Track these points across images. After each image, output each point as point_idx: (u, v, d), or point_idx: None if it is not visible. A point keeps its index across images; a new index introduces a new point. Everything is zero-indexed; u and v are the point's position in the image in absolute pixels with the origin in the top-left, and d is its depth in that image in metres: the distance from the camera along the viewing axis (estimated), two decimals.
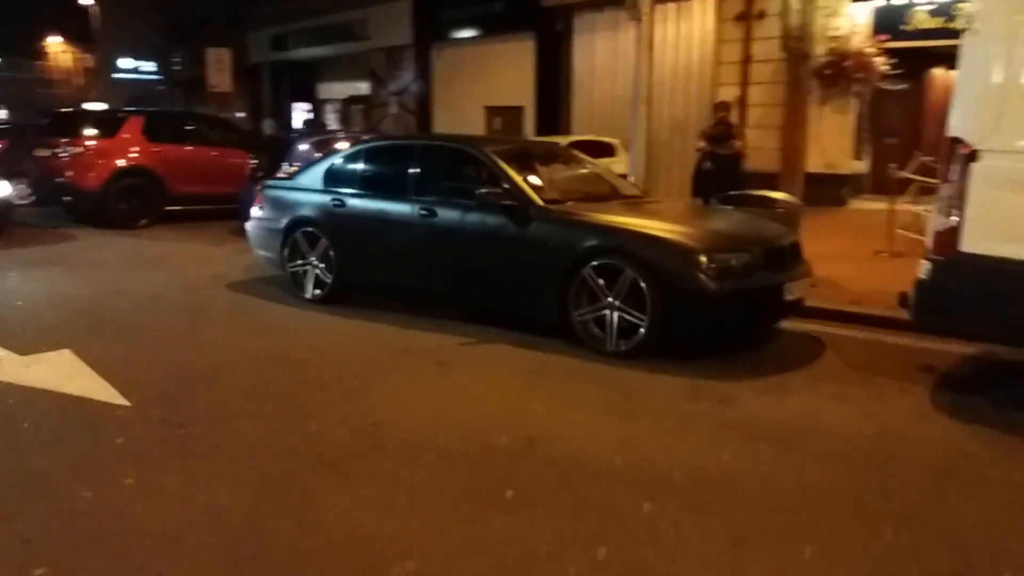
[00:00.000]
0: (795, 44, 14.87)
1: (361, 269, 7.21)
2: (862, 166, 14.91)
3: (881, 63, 13.50)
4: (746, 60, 14.84)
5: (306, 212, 7.54)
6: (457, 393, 5.00)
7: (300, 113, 30.81)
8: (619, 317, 5.75)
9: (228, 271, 8.96)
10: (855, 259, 9.40)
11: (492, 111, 21.72)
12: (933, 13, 13.35)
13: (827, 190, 14.44)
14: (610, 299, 5.78)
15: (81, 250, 10.47)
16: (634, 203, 6.85)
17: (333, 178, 7.52)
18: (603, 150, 17.29)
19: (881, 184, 12.52)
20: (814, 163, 15.05)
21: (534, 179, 6.71)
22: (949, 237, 4.79)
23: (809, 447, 4.26)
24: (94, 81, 59.77)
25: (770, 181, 15.16)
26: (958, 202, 4.75)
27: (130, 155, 12.47)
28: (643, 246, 5.69)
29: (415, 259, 6.85)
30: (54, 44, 78.06)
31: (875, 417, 4.72)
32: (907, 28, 13.66)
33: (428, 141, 7.29)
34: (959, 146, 4.78)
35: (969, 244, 4.72)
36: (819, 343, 6.38)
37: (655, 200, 7.25)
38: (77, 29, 63.67)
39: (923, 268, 4.92)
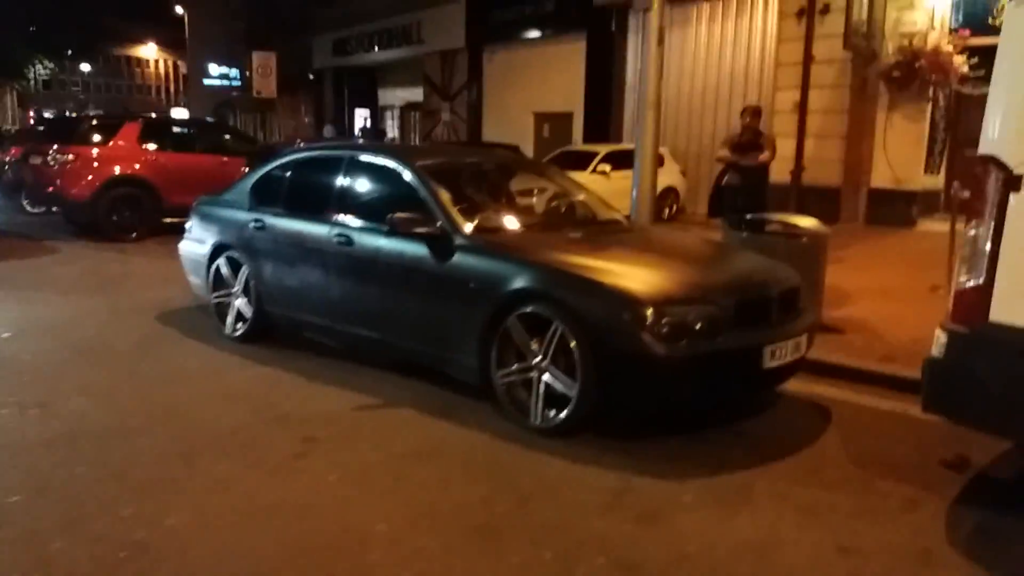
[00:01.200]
0: (861, 42, 13.19)
1: (281, 304, 6.09)
2: (935, 181, 13.04)
3: (961, 63, 11.67)
4: (807, 61, 13.17)
5: (229, 234, 6.48)
6: (292, 493, 3.78)
7: (361, 119, 30.28)
8: (548, 383, 4.46)
9: (179, 296, 7.97)
10: (906, 296, 7.83)
11: (541, 117, 20.52)
12: None
13: (894, 208, 12.71)
14: (538, 359, 4.50)
15: (44, 267, 9.73)
16: (598, 233, 5.53)
17: (259, 194, 6.44)
18: None
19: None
20: (880, 177, 13.34)
21: (475, 201, 5.48)
22: (975, 300, 3.34)
23: None
24: (186, 87, 61.36)
25: (830, 197, 13.51)
26: (990, 249, 3.30)
27: (123, 163, 11.75)
28: (575, 292, 4.38)
29: (332, 295, 5.69)
30: (148, 51, 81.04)
31: (854, 554, 3.31)
32: (993, 23, 11.76)
33: (353, 152, 6.09)
34: (994, 169, 3.34)
35: (1002, 311, 3.26)
36: (822, 416, 4.95)
37: (629, 229, 5.86)
38: (171, 36, 65.83)
39: (938, 342, 3.47)
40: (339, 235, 5.54)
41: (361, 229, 5.43)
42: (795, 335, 4.58)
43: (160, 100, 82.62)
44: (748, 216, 7.04)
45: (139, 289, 8.39)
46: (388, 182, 5.56)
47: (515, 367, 4.63)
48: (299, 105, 35.59)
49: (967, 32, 11.79)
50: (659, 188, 15.59)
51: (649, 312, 4.14)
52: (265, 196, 6.38)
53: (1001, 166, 3.32)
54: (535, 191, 6.27)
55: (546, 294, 4.43)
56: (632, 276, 4.40)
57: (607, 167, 14.07)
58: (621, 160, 13.85)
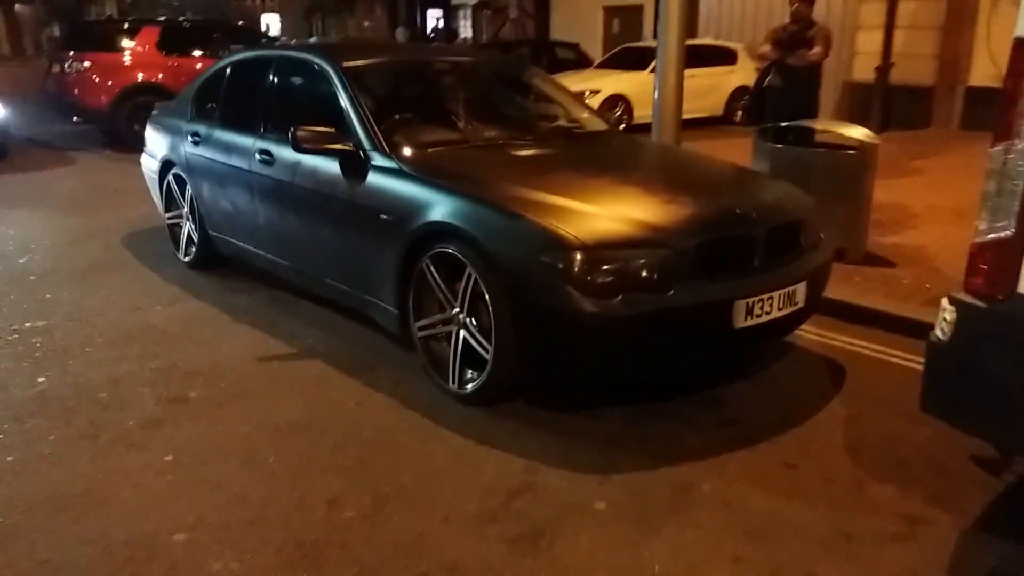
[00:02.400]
0: None
1: (222, 228, 5.34)
2: None
3: None
4: None
5: (174, 149, 5.73)
6: (103, 480, 3.06)
7: (433, 20, 29.04)
8: (467, 340, 3.57)
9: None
10: None
11: (610, 11, 18.91)
12: None
13: (995, 111, 10.87)
14: (456, 310, 3.60)
15: (49, 180, 9.29)
16: (561, 151, 4.46)
17: (198, 104, 5.64)
18: (720, 56, 14.34)
19: None
20: (981, 74, 11.44)
21: (417, 113, 4.52)
22: (1000, 261, 2.25)
23: None
24: None
25: (921, 98, 11.74)
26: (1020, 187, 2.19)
27: (142, 71, 11.14)
28: (489, 230, 3.42)
29: (259, 221, 4.89)
30: None
31: None
32: None
33: (283, 52, 5.17)
34: None
35: None
36: (832, 379, 3.93)
37: (607, 146, 4.68)
38: None
39: (943, 318, 2.40)
40: (261, 151, 4.70)
41: (281, 143, 4.55)
42: (788, 283, 3.51)
43: (254, 5, 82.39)
44: (786, 125, 5.83)
45: (128, 206, 7.81)
46: (312, 87, 4.62)
47: (434, 318, 3.75)
48: (374, 7, 34.48)
49: None
50: (730, 89, 14.23)
51: (576, 257, 3.15)
52: (203, 106, 5.57)
53: None
54: (505, 100, 5.20)
55: (457, 231, 3.49)
56: (566, 210, 3.38)
57: None
58: (691, 57, 12.40)
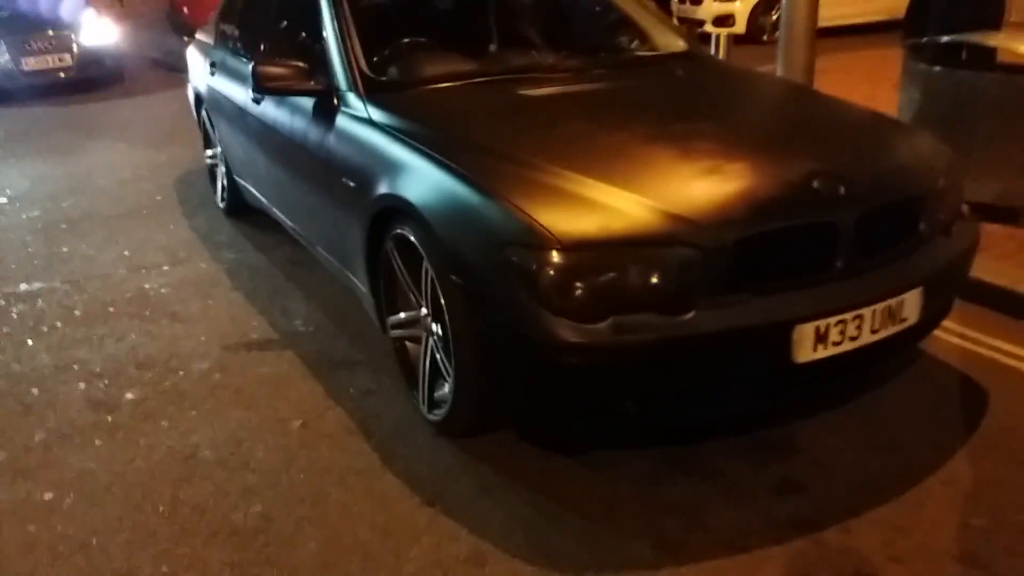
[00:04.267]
0: None
1: (242, 175, 4.66)
2: None
3: None
4: None
5: (201, 79, 5.08)
6: None
7: None
8: (433, 352, 2.70)
9: None
10: None
11: None
12: None
13: None
14: (424, 310, 2.72)
15: (152, 105, 9.07)
16: (600, 82, 3.28)
17: (219, 27, 4.90)
18: None
19: None
20: None
21: (426, 44, 3.54)
22: None
23: None
24: None
25: None
26: None
27: None
28: (444, 211, 2.47)
29: (259, 169, 4.16)
30: None
31: None
32: None
33: None
34: None
35: None
36: (969, 409, 2.77)
37: (675, 71, 3.46)
38: None
39: None
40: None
41: None
42: (889, 292, 2.36)
43: None
44: (953, 39, 4.39)
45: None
46: (306, 12, 3.71)
47: (403, 316, 2.89)
48: None
49: None
50: None
51: (548, 260, 2.15)
52: (224, 29, 4.82)
53: None
54: (551, 16, 4.07)
55: (410, 209, 2.56)
56: (553, 186, 2.36)
57: None
58: None
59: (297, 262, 4.31)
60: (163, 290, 4.10)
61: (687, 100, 3.16)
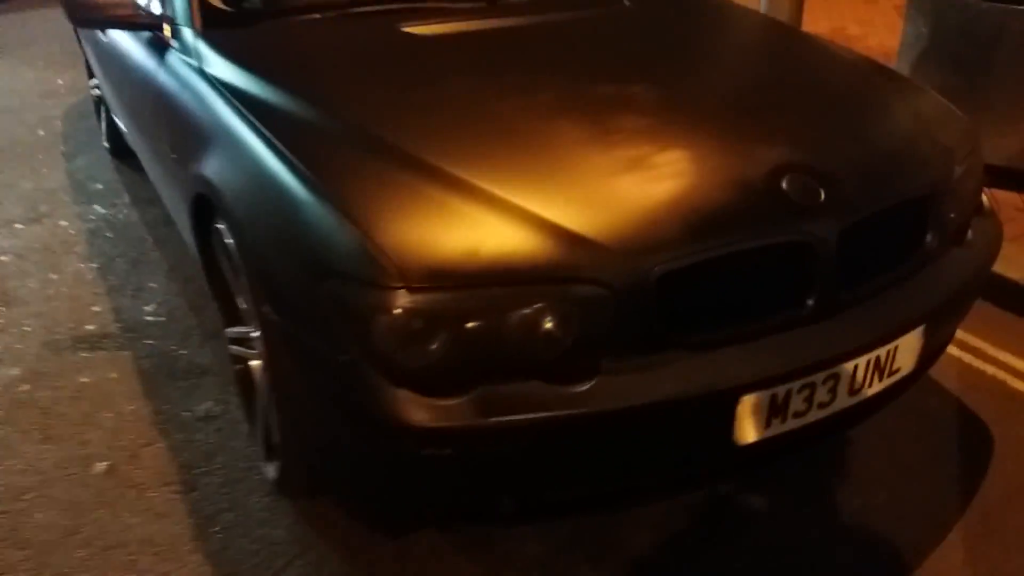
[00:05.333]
0: None
1: (116, 113, 3.87)
2: None
3: None
4: None
5: None
6: None
7: None
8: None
9: None
10: None
11: None
12: None
13: None
14: (255, 332, 2.01)
15: (48, 21, 7.98)
16: (518, 19, 2.49)
17: None
18: None
19: None
20: None
21: None
22: None
23: None
24: None
25: None
26: None
27: None
28: (257, 210, 1.74)
29: (124, 112, 3.39)
30: None
31: None
32: None
33: None
34: None
35: None
36: (971, 448, 2.14)
37: (617, 19, 2.71)
38: None
39: None
40: None
41: None
42: (881, 338, 1.68)
43: None
44: None
45: None
46: None
47: (236, 331, 2.20)
48: None
49: None
50: None
51: (393, 301, 1.44)
52: None
53: None
54: None
55: (220, 201, 1.85)
56: (415, 188, 1.62)
57: None
58: None
59: (172, 222, 3.58)
60: (3, 258, 3.38)
61: (624, 50, 2.35)
